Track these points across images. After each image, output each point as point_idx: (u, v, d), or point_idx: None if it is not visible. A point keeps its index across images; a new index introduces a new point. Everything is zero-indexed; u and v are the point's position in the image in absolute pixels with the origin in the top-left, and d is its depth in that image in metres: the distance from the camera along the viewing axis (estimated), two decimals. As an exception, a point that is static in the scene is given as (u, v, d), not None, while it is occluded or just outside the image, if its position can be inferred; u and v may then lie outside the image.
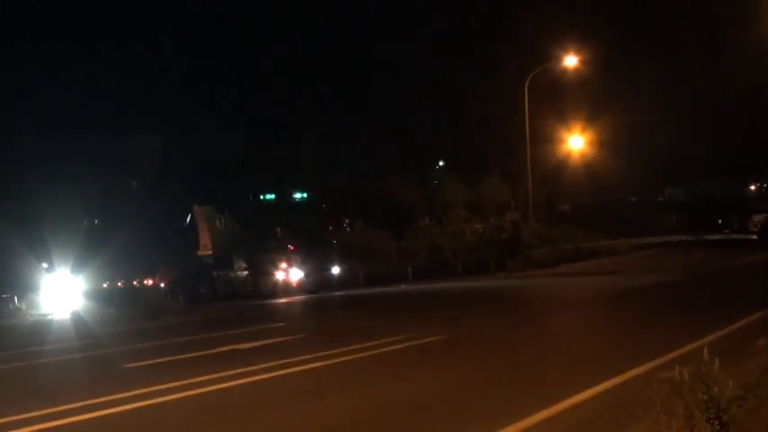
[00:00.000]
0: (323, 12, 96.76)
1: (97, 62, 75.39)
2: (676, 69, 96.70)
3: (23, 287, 33.65)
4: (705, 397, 6.86)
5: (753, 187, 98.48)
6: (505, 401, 9.43)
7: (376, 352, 14.14)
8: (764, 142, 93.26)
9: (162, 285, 41.22)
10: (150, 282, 42.82)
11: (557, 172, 60.75)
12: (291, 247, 47.16)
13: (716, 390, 6.94)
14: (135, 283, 43.13)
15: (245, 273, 43.63)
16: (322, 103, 79.99)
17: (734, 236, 78.61)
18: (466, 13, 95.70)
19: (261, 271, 43.59)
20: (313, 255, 46.50)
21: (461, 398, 10.06)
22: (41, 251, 37.78)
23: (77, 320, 27.84)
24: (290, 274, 43.87)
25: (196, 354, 15.30)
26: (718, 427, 6.69)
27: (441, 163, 67.84)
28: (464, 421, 8.57)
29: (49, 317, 29.60)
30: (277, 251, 45.17)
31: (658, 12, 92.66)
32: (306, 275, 44.12)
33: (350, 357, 13.67)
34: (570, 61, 47.01)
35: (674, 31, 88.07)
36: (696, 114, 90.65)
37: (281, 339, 17.41)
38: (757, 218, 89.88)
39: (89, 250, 38.98)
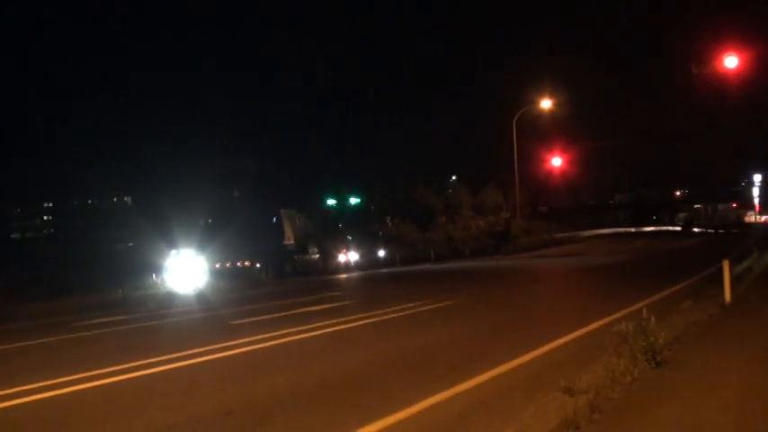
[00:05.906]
0: (383, 51, 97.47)
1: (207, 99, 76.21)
2: (632, 105, 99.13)
3: (159, 267, 34.31)
4: (644, 344, 6.94)
5: (678, 193, 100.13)
6: (504, 345, 9.48)
7: (410, 312, 14.22)
8: (685, 160, 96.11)
9: (257, 265, 41.63)
10: (248, 263, 43.28)
11: (537, 182, 60.73)
12: (349, 237, 47.74)
13: (652, 339, 7.01)
14: (238, 263, 43.61)
15: (317, 256, 44.24)
16: (370, 132, 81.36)
17: (664, 228, 78.51)
18: (472, 64, 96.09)
19: (328, 254, 44.19)
20: (364, 243, 46.90)
21: (473, 342, 10.15)
22: (172, 242, 38.54)
23: (197, 291, 28.16)
24: (349, 256, 44.49)
25: (282, 314, 15.45)
26: (654, 365, 6.75)
27: (453, 177, 67.73)
28: (476, 357, 8.63)
29: (177, 288, 29.94)
30: (339, 240, 45.80)
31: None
32: (359, 257, 44.66)
33: (391, 316, 13.76)
34: (546, 104, 46.55)
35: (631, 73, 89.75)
36: (638, 140, 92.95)
37: (342, 303, 17.50)
38: (681, 215, 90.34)
39: (205, 241, 39.55)
